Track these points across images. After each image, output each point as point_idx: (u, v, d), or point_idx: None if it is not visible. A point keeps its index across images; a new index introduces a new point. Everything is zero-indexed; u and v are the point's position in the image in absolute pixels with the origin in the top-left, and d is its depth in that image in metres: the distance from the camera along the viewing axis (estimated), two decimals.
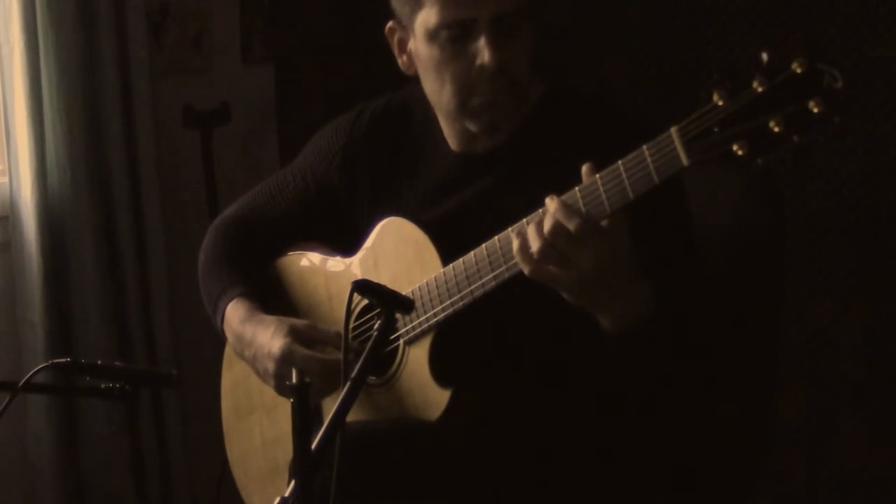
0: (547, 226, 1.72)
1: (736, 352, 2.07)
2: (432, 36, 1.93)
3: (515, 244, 1.76)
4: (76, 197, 3.09)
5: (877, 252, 2.86)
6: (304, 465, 1.55)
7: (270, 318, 2.12)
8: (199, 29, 3.50)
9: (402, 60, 2.05)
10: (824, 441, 2.98)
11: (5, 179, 3.08)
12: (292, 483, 1.55)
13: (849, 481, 2.96)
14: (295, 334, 2.07)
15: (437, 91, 1.99)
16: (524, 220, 1.80)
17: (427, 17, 1.93)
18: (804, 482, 3.02)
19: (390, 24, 2.03)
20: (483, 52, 1.90)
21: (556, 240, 1.71)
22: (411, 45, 2.00)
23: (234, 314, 2.18)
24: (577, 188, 1.74)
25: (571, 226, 1.70)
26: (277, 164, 3.61)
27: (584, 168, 1.73)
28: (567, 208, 1.71)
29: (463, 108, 1.98)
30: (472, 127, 2.00)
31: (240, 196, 2.39)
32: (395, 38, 2.03)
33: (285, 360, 2.06)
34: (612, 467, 1.99)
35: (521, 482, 1.96)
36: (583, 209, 1.72)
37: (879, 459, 2.91)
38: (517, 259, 1.77)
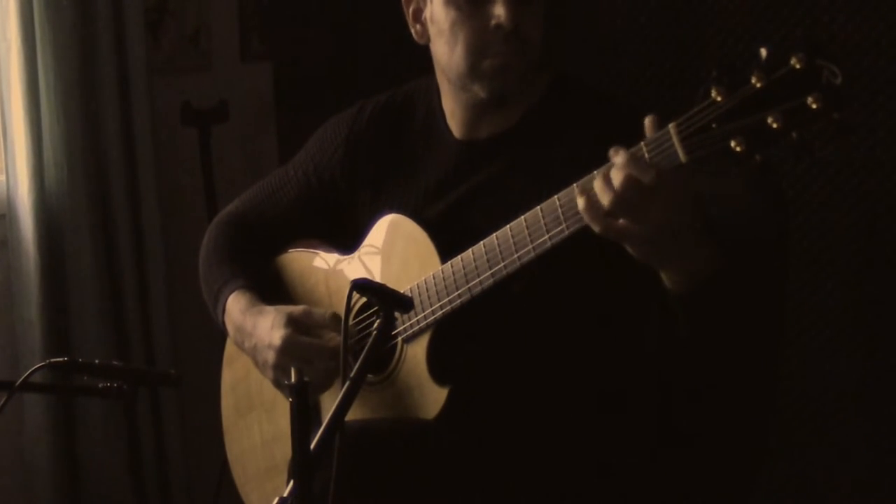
0: (618, 179, 1.65)
1: (738, 351, 2.07)
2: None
3: (581, 202, 1.69)
4: (73, 195, 3.09)
5: (878, 251, 2.86)
6: (302, 464, 1.55)
7: (270, 309, 2.13)
8: (197, 26, 3.50)
9: (415, 30, 2.06)
10: (824, 441, 2.98)
11: (2, 177, 3.08)
12: (291, 483, 1.55)
13: (850, 482, 2.96)
14: (294, 324, 2.08)
15: (449, 53, 1.99)
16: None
17: None
18: (805, 482, 3.02)
19: None
20: (499, 11, 1.92)
21: (630, 193, 1.65)
22: (427, 12, 2.02)
23: (235, 305, 2.18)
24: (575, 185, 1.73)
25: (646, 178, 1.64)
26: (276, 162, 3.61)
27: (648, 121, 1.68)
28: (639, 160, 1.65)
29: (474, 70, 1.98)
30: (481, 92, 2.00)
31: (239, 194, 2.40)
32: (411, 8, 2.05)
33: (286, 350, 2.06)
34: (611, 467, 1.99)
35: (520, 481, 1.97)
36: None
37: (880, 460, 2.91)
38: (586, 218, 1.70)
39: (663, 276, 1.76)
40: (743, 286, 1.79)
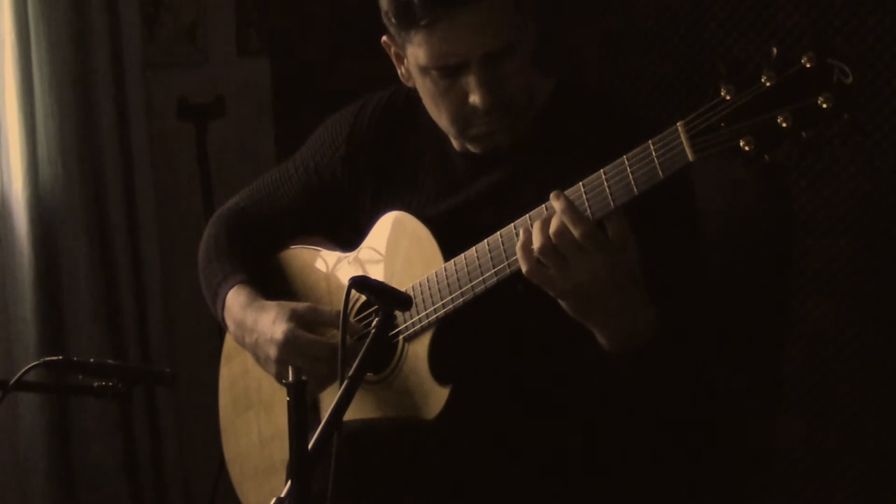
0: (553, 226, 1.71)
1: (740, 350, 2.07)
2: (423, 70, 1.94)
3: (519, 240, 1.76)
4: (68, 192, 3.09)
5: (880, 250, 2.87)
6: (300, 464, 1.54)
7: (272, 304, 2.12)
8: (193, 20, 3.50)
9: (401, 72, 2.05)
10: (826, 441, 2.98)
11: None
12: (289, 483, 1.55)
13: (852, 481, 2.96)
14: (297, 319, 2.07)
15: (436, 116, 2.00)
16: (528, 215, 1.80)
17: (416, 53, 1.93)
18: (806, 482, 3.02)
19: (385, 38, 2.02)
20: (474, 91, 1.91)
21: (559, 241, 1.70)
22: (406, 64, 2.01)
23: (235, 301, 2.18)
24: (581, 182, 1.73)
25: (577, 231, 1.69)
26: (273, 158, 3.60)
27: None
28: (575, 211, 1.70)
29: (462, 134, 1.99)
30: (473, 149, 2.02)
31: (236, 191, 2.39)
32: (392, 51, 2.03)
33: (288, 345, 2.06)
34: (613, 468, 1.98)
35: (520, 481, 1.96)
36: (588, 207, 1.71)
37: (882, 460, 2.91)
38: (518, 255, 1.76)
39: (595, 333, 1.80)
40: (677, 359, 1.82)
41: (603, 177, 1.71)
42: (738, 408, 2.11)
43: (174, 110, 3.38)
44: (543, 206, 1.77)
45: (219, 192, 3.31)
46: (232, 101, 3.49)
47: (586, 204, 1.73)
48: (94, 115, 3.14)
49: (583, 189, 1.73)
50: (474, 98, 1.91)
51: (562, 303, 1.76)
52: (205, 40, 3.52)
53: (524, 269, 1.75)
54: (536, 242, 1.72)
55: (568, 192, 1.74)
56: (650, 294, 1.78)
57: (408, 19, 1.89)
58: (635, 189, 1.68)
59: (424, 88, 1.97)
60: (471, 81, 1.90)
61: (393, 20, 1.93)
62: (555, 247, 1.71)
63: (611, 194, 1.70)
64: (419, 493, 1.96)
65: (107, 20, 3.13)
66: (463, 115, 1.95)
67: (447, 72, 1.91)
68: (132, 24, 3.18)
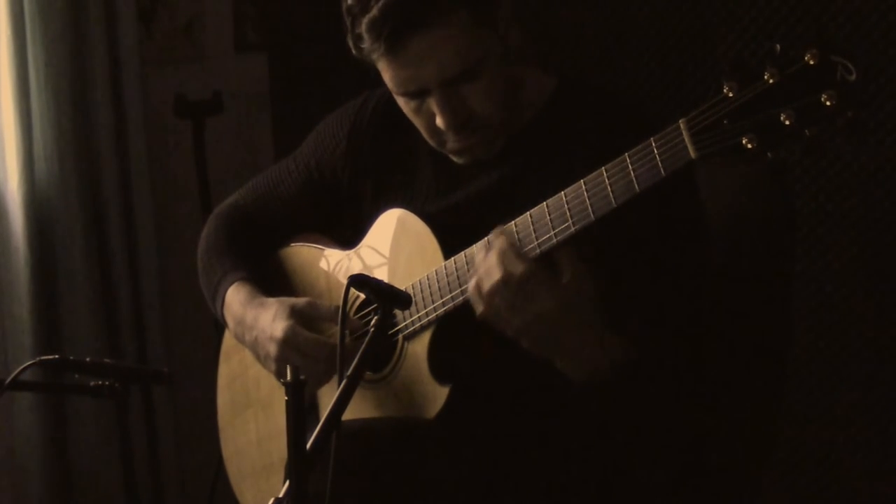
0: (496, 266, 1.76)
1: (743, 348, 2.07)
2: (392, 90, 1.97)
3: (471, 282, 1.80)
4: (64, 189, 3.09)
5: (883, 249, 2.87)
6: (298, 464, 1.54)
7: (271, 300, 2.13)
8: (190, 16, 3.49)
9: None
10: (828, 440, 2.98)
11: None
12: (287, 483, 1.55)
13: (854, 480, 2.96)
14: (297, 316, 2.08)
15: (416, 125, 2.02)
16: (528, 213, 1.81)
17: (384, 76, 1.96)
18: (809, 482, 3.02)
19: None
20: (437, 115, 1.93)
21: (505, 282, 1.76)
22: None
23: (235, 297, 2.18)
24: (582, 181, 1.73)
25: (519, 270, 1.74)
26: (271, 154, 3.60)
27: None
28: (511, 251, 1.76)
29: (442, 147, 2.01)
30: (457, 160, 2.03)
31: (234, 188, 2.40)
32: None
33: (288, 343, 2.06)
34: (614, 467, 1.98)
35: (520, 481, 1.96)
36: (589, 207, 1.72)
37: (884, 459, 2.91)
38: (471, 296, 1.81)
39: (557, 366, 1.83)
40: (650, 388, 1.86)
41: (604, 174, 1.71)
42: (739, 409, 2.11)
43: (171, 107, 3.37)
44: (544, 203, 1.78)
45: (217, 189, 3.31)
46: (229, 98, 3.48)
47: (587, 202, 1.73)
48: (91, 111, 3.14)
49: (584, 187, 1.73)
50: (439, 121, 1.93)
51: (518, 340, 1.80)
52: (202, 36, 3.52)
53: (477, 310, 1.80)
54: (484, 284, 1.77)
55: (567, 189, 1.75)
56: (629, 314, 1.82)
57: (363, 49, 1.92)
58: (637, 187, 1.68)
59: (399, 103, 2.01)
60: (434, 106, 1.92)
61: (354, 50, 1.96)
62: (501, 287, 1.76)
63: (612, 192, 1.70)
64: (418, 493, 1.96)
65: (103, 16, 3.13)
66: (436, 132, 1.97)
67: (411, 96, 1.94)
68: (129, 19, 3.18)
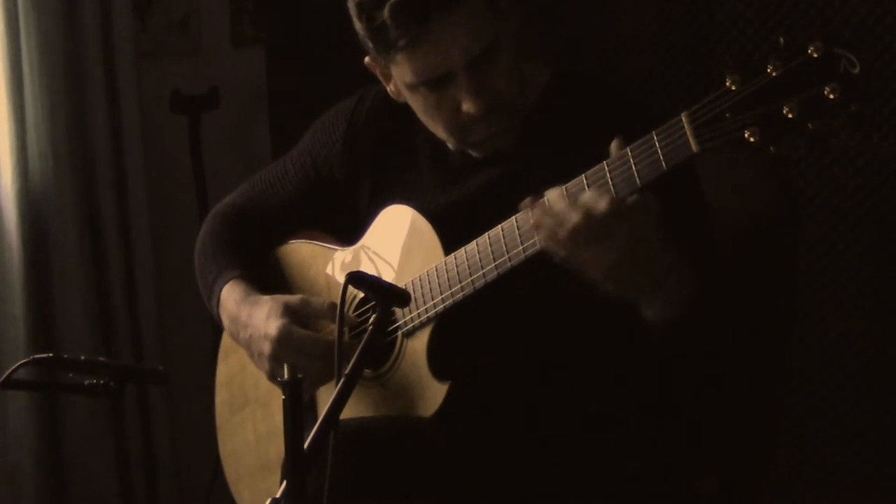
0: (584, 203, 1.69)
1: (747, 346, 2.07)
2: (411, 87, 1.96)
3: (543, 232, 1.73)
4: (59, 185, 3.09)
5: (889, 245, 2.87)
6: (296, 464, 1.54)
7: (266, 298, 2.13)
8: (186, 10, 3.49)
9: (390, 89, 2.06)
10: (830, 438, 2.99)
11: None
12: (284, 483, 1.55)
13: (856, 479, 2.97)
14: (291, 314, 2.08)
15: (432, 127, 2.01)
16: (528, 209, 1.79)
17: (401, 72, 1.95)
18: (811, 482, 3.03)
19: (368, 60, 2.02)
20: (465, 99, 1.92)
21: (588, 221, 1.69)
22: (394, 83, 2.02)
23: (230, 296, 2.18)
24: (583, 175, 1.74)
25: (603, 204, 1.68)
26: (268, 150, 3.60)
27: (613, 144, 1.71)
28: (573, 195, 1.71)
29: (462, 143, 2.00)
30: (475, 154, 2.02)
31: (230, 184, 2.40)
32: (378, 71, 2.04)
33: (282, 341, 2.06)
34: (614, 465, 1.99)
35: (519, 481, 1.97)
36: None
37: (887, 458, 2.92)
38: (547, 245, 1.74)
39: (641, 306, 1.80)
40: (711, 317, 1.82)
41: (606, 168, 1.71)
42: (740, 407, 2.11)
43: (167, 102, 3.38)
44: (545, 197, 1.77)
45: (213, 185, 3.31)
46: (226, 93, 3.49)
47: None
48: (86, 107, 3.14)
49: (585, 182, 1.73)
50: (467, 105, 1.92)
51: (603, 283, 1.74)
52: (198, 30, 3.52)
53: (562, 254, 1.73)
54: (569, 224, 1.70)
55: (568, 185, 1.75)
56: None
57: (386, 42, 1.91)
58: (638, 181, 1.68)
59: (416, 104, 1.99)
60: (460, 90, 1.92)
61: (371, 45, 1.95)
62: (587, 225, 1.69)
63: (613, 186, 1.70)
64: (417, 493, 1.96)
65: (98, 9, 3.13)
66: (459, 124, 1.96)
67: (435, 85, 1.93)
68: (124, 13, 3.18)
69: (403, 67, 1.93)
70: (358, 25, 1.96)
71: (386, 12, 1.88)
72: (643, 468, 2.00)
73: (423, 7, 1.87)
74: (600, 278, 1.74)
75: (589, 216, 1.69)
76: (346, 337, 2.06)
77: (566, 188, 1.75)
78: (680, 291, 1.77)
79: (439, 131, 2.00)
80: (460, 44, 1.89)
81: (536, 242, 1.80)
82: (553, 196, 1.75)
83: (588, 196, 1.70)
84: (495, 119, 1.95)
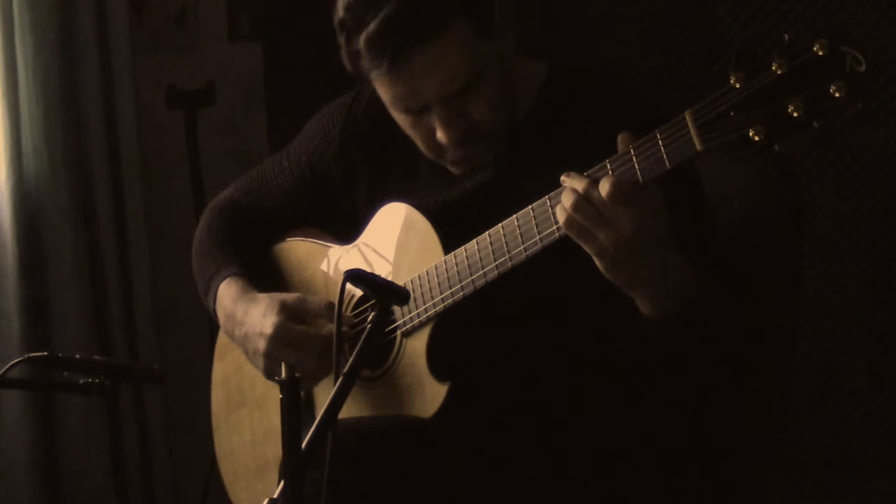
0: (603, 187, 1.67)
1: (751, 345, 2.08)
2: (389, 106, 1.97)
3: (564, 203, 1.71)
4: (53, 182, 3.09)
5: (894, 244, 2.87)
6: (293, 464, 1.54)
7: (262, 296, 2.13)
8: (182, 4, 3.49)
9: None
10: (833, 437, 2.99)
11: None
12: (281, 483, 1.55)
13: (857, 479, 2.97)
14: (287, 312, 2.08)
15: (413, 139, 2.01)
16: (530, 207, 1.80)
17: (380, 92, 1.96)
18: (811, 481, 3.03)
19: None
20: (438, 129, 1.92)
21: (602, 200, 1.67)
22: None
23: (227, 293, 2.19)
24: (586, 173, 1.73)
25: (616, 188, 1.66)
26: (265, 145, 3.60)
27: (621, 138, 1.70)
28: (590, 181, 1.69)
29: (440, 159, 2.01)
30: (454, 170, 2.02)
31: (226, 180, 2.40)
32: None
33: (277, 338, 2.06)
34: (614, 465, 1.99)
35: (519, 480, 1.97)
36: None
37: (889, 456, 2.93)
38: (560, 220, 1.72)
39: (637, 299, 1.78)
40: (715, 315, 1.81)
41: (608, 166, 1.71)
42: (744, 407, 2.12)
43: (163, 97, 3.38)
44: (546, 197, 1.77)
45: (209, 181, 3.32)
46: (223, 88, 3.49)
47: None
48: (81, 102, 3.13)
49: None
50: (440, 135, 1.93)
51: (604, 264, 1.72)
52: (195, 25, 3.52)
53: (572, 233, 1.71)
54: (586, 203, 1.69)
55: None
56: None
57: (360, 70, 1.92)
58: (640, 180, 1.67)
59: (396, 117, 2.00)
60: (435, 118, 1.92)
61: (349, 66, 1.95)
62: (597, 206, 1.68)
63: None
64: (416, 493, 1.96)
65: (93, 3, 3.12)
66: (435, 146, 1.97)
67: (410, 112, 1.94)
68: (120, 8, 3.18)
69: (380, 90, 1.95)
70: (339, 39, 1.95)
71: (361, 42, 1.88)
72: (643, 468, 2.00)
73: (398, 43, 1.85)
74: (609, 263, 1.72)
75: (618, 187, 1.66)
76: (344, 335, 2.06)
77: None
78: (679, 290, 1.77)
79: (419, 145, 2.01)
80: (437, 78, 1.88)
81: (537, 242, 1.80)
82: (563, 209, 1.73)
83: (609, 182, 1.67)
84: (470, 145, 1.95)
